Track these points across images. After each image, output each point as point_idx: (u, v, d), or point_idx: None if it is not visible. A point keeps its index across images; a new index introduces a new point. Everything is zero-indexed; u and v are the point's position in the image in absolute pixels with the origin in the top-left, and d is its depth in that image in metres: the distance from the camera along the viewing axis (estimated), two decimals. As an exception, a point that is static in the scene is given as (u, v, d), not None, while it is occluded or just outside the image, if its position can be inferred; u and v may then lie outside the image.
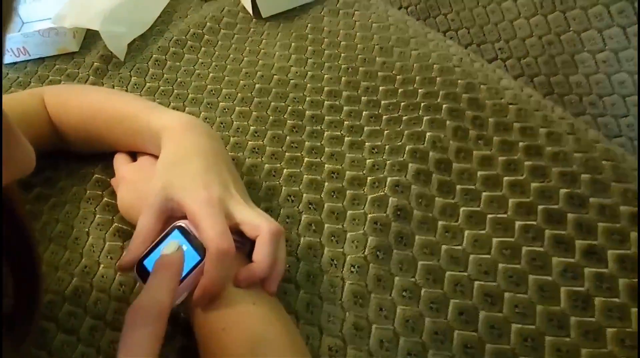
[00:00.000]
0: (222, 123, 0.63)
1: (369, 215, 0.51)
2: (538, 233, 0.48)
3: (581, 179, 0.51)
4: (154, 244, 0.40)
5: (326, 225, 0.51)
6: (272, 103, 0.65)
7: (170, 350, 0.43)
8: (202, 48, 0.75)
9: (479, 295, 0.45)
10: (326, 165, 0.57)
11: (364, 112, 0.62)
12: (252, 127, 0.62)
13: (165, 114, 0.50)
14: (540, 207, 0.50)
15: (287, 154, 0.59)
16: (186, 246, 0.40)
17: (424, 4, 0.91)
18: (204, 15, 0.79)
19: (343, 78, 0.66)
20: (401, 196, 0.52)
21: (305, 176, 0.56)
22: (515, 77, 0.79)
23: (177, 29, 0.78)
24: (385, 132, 0.59)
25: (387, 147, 0.57)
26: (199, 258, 0.39)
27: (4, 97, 0.54)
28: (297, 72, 0.68)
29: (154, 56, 0.74)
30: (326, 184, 0.55)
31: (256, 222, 0.41)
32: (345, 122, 0.61)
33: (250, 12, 0.79)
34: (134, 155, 0.54)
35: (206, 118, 0.64)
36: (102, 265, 0.49)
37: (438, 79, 0.63)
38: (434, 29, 0.81)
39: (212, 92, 0.68)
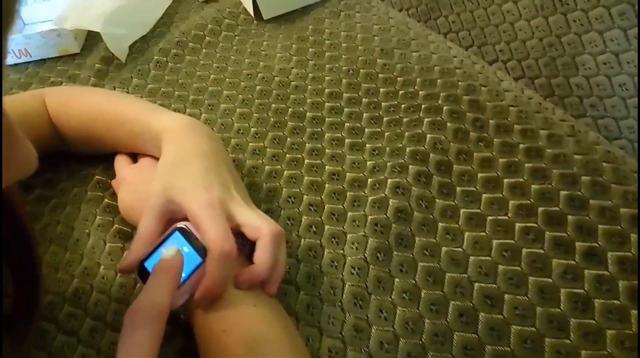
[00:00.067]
0: (223, 124, 0.63)
1: (370, 217, 0.51)
2: (538, 235, 0.48)
3: (581, 181, 0.51)
4: (155, 246, 0.40)
5: (326, 227, 0.51)
6: (273, 105, 0.65)
7: (170, 352, 0.43)
8: (204, 50, 0.75)
9: (479, 297, 0.45)
10: (327, 167, 0.57)
11: (364, 114, 0.62)
12: (253, 129, 0.62)
13: (165, 116, 0.50)
14: (540, 209, 0.50)
15: (287, 155, 0.59)
16: (187, 248, 0.40)
17: (425, 6, 0.91)
18: (205, 17, 0.79)
19: (344, 80, 0.67)
20: (401, 198, 0.52)
21: (305, 177, 0.56)
22: (516, 79, 0.79)
23: (178, 31, 0.78)
24: (386, 134, 0.59)
25: (387, 149, 0.57)
26: (200, 259, 0.39)
27: (5, 98, 0.54)
28: (298, 74, 0.69)
29: (155, 57, 0.74)
30: (327, 185, 0.55)
31: (257, 224, 0.41)
32: (346, 124, 0.61)
33: (252, 13, 0.79)
34: (134, 157, 0.54)
35: (207, 120, 0.64)
36: (102, 266, 0.50)
37: (439, 81, 0.63)
38: (435, 31, 0.81)
39: (213, 94, 0.68)
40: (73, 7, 0.77)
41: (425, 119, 0.59)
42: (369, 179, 0.55)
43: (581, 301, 0.44)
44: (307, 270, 0.48)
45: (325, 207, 0.53)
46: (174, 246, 0.38)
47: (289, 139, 0.60)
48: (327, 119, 0.62)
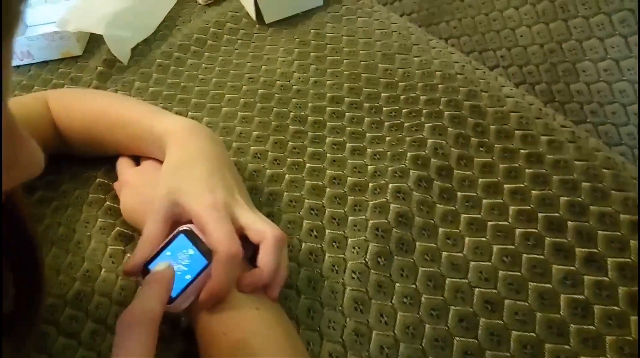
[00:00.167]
0: (225, 128, 0.63)
1: (370, 221, 0.51)
2: (538, 240, 0.48)
3: (582, 187, 0.51)
4: (159, 248, 0.41)
5: (327, 231, 0.51)
6: (275, 109, 0.65)
7: (171, 355, 0.43)
8: (206, 53, 0.75)
9: (479, 302, 0.45)
10: (328, 171, 0.57)
11: (366, 119, 0.62)
12: (254, 133, 0.62)
13: (168, 119, 0.50)
14: (540, 215, 0.50)
15: (289, 159, 0.59)
16: (192, 250, 0.40)
17: (426, 12, 0.92)
18: (208, 21, 0.79)
19: (345, 84, 0.67)
20: (402, 203, 0.52)
21: (307, 181, 0.56)
22: (516, 84, 0.79)
23: (180, 34, 0.78)
24: (387, 138, 0.59)
25: (388, 153, 0.57)
26: (205, 262, 0.39)
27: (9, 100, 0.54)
28: (299, 78, 0.69)
29: (157, 60, 0.74)
30: (328, 190, 0.55)
31: (261, 227, 0.41)
32: (348, 129, 0.61)
33: (254, 17, 0.79)
34: (137, 159, 0.54)
35: (209, 123, 0.64)
36: (103, 269, 0.50)
37: (440, 86, 0.63)
38: (436, 36, 0.81)
39: (215, 97, 0.68)
40: (76, 9, 0.77)
41: (427, 124, 0.59)
42: (370, 184, 0.55)
43: (581, 307, 0.44)
44: (308, 274, 0.48)
45: (326, 211, 0.53)
46: (165, 262, 0.39)
47: (290, 142, 0.61)
48: (328, 123, 0.62)
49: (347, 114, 0.63)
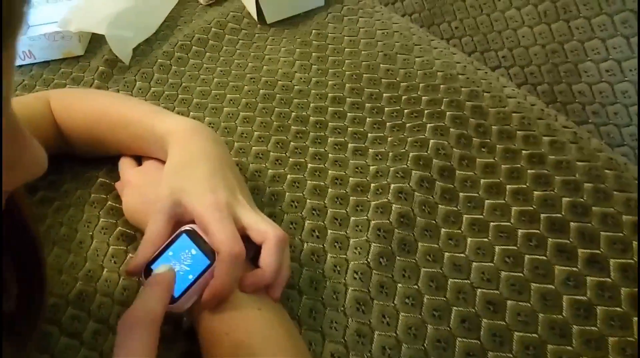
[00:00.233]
0: (226, 128, 0.63)
1: (372, 222, 0.51)
2: (541, 241, 0.48)
3: (584, 188, 0.51)
4: (161, 248, 0.41)
5: (329, 231, 0.51)
6: (277, 109, 0.65)
7: (173, 355, 0.43)
8: (207, 53, 0.75)
9: (482, 303, 0.45)
10: (330, 171, 0.57)
11: (367, 119, 0.62)
12: (256, 133, 0.62)
13: (169, 119, 0.50)
14: (543, 215, 0.50)
15: (290, 159, 0.59)
16: (195, 250, 0.40)
17: (428, 12, 0.92)
18: (209, 21, 0.79)
19: (347, 85, 0.67)
20: (404, 203, 0.52)
21: (308, 182, 0.56)
22: (518, 85, 0.79)
23: (182, 34, 0.78)
24: (389, 139, 0.59)
25: (390, 154, 0.57)
26: (208, 262, 0.39)
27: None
28: (301, 78, 0.69)
29: (158, 60, 0.74)
30: (330, 190, 0.55)
31: (263, 228, 0.41)
32: (349, 129, 0.61)
33: (255, 17, 0.79)
34: (139, 159, 0.54)
35: (210, 123, 0.64)
36: (105, 269, 0.50)
37: (442, 86, 0.63)
38: (438, 37, 0.81)
39: (216, 98, 0.68)
40: (77, 9, 0.77)
41: (428, 125, 0.59)
42: (372, 184, 0.55)
43: (583, 308, 0.44)
44: (310, 275, 0.48)
45: (328, 212, 0.53)
46: (166, 265, 0.39)
47: (292, 143, 0.61)
48: (330, 123, 0.62)
49: (348, 114, 0.63)
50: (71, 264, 0.50)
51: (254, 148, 0.61)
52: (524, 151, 0.55)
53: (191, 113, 0.66)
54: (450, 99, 0.61)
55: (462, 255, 0.48)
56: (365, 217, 0.52)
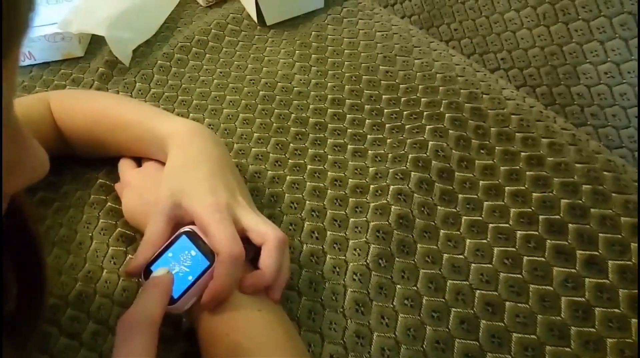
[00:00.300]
0: (226, 130, 0.64)
1: (372, 223, 0.51)
2: (539, 243, 0.48)
3: (582, 189, 0.51)
4: (161, 250, 0.41)
5: (329, 233, 0.52)
6: (276, 110, 0.65)
7: (173, 356, 0.43)
8: (207, 55, 0.75)
9: (480, 304, 0.45)
10: (329, 173, 0.57)
11: (367, 121, 0.62)
12: (255, 134, 0.62)
13: (169, 120, 0.51)
14: (541, 217, 0.50)
15: (290, 161, 0.59)
16: (195, 252, 0.40)
17: (427, 14, 0.92)
18: (209, 22, 0.79)
19: (346, 86, 0.67)
20: (403, 205, 0.52)
21: (308, 183, 0.56)
22: (517, 87, 0.79)
23: (181, 36, 0.78)
24: (388, 140, 0.60)
25: (389, 155, 0.57)
26: (207, 263, 0.39)
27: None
28: (301, 80, 0.69)
29: (158, 62, 0.74)
30: (329, 191, 0.55)
31: (263, 229, 0.41)
32: (349, 131, 0.62)
33: (255, 19, 0.79)
34: (139, 160, 0.54)
35: (210, 124, 0.64)
36: (105, 270, 0.50)
37: (441, 88, 0.63)
38: (437, 39, 0.81)
39: (216, 99, 0.68)
40: (78, 10, 0.77)
41: (427, 127, 0.59)
42: (371, 186, 0.55)
43: (582, 309, 0.44)
44: (309, 276, 0.48)
45: (328, 213, 0.53)
46: (164, 268, 0.39)
47: (291, 144, 0.61)
48: (329, 125, 0.62)
49: (348, 116, 0.63)
50: (71, 265, 0.50)
51: (253, 149, 0.61)
52: (522, 153, 0.55)
53: (191, 115, 0.66)
54: (450, 101, 0.61)
55: (461, 256, 0.49)
56: (365, 218, 0.52)
